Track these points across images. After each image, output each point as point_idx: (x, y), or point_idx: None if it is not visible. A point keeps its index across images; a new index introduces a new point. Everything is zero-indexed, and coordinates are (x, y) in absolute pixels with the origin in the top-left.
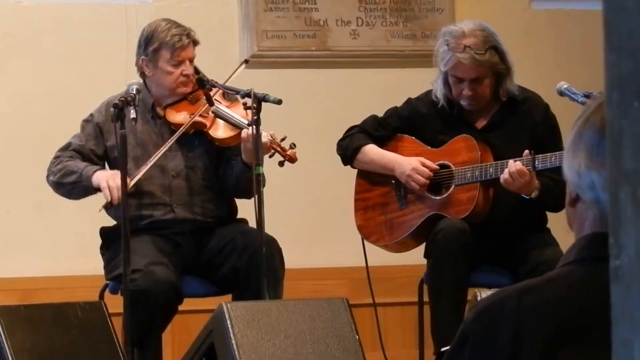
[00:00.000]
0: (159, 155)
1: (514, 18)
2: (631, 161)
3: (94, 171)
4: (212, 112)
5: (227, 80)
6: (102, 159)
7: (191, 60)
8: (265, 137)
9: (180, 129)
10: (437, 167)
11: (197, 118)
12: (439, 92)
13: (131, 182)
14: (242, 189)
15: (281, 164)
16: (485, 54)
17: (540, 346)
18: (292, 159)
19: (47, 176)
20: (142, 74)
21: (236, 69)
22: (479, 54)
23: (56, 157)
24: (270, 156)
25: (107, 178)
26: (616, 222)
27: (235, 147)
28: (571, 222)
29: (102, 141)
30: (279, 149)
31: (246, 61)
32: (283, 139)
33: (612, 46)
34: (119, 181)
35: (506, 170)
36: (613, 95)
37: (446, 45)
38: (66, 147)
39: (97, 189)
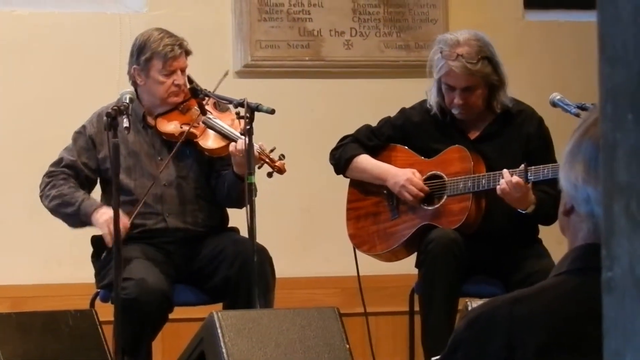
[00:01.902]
0: (152, 186)
1: (508, 29)
2: (625, 174)
3: (94, 210)
4: (203, 122)
5: (213, 91)
6: (96, 172)
7: (183, 70)
8: (254, 148)
9: (177, 142)
10: (425, 181)
11: (189, 129)
12: (432, 99)
13: (131, 219)
14: (233, 199)
15: (270, 175)
16: (477, 64)
17: (532, 355)
18: (281, 170)
19: (41, 196)
20: (134, 83)
21: (219, 82)
22: (470, 63)
23: (49, 176)
24: (259, 167)
25: (109, 222)
26: (609, 234)
27: (226, 157)
28: (564, 230)
29: (95, 154)
30: (267, 159)
31: (226, 74)
32: (272, 150)
33: (606, 58)
34: (120, 225)
35: (502, 180)
36: (607, 107)
37: (440, 53)
38: (58, 163)
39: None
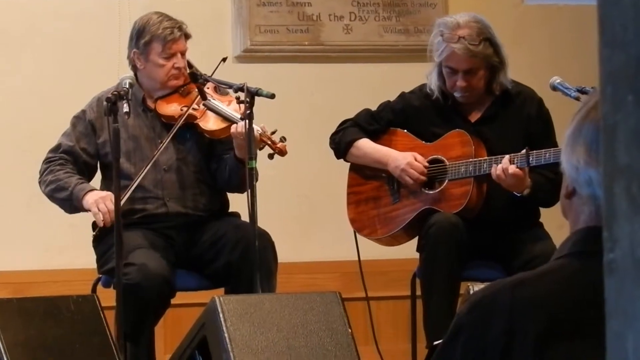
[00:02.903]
0: (148, 167)
1: (507, 13)
2: (625, 155)
3: (85, 193)
4: (204, 105)
5: (211, 75)
6: (95, 157)
7: (183, 53)
8: (255, 130)
9: (176, 123)
10: (427, 164)
11: (189, 111)
12: (433, 83)
13: (123, 199)
14: (235, 184)
15: (271, 156)
16: (479, 45)
17: (534, 339)
18: (282, 152)
19: (39, 182)
20: (134, 67)
21: (216, 68)
22: (472, 44)
23: (47, 162)
24: (261, 149)
25: (97, 202)
26: (610, 216)
27: (227, 140)
28: (566, 213)
29: (94, 139)
30: (269, 142)
31: (224, 59)
32: (273, 132)
33: (606, 41)
34: (109, 204)
35: (499, 166)
36: (607, 90)
37: (440, 36)
38: (56, 149)
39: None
